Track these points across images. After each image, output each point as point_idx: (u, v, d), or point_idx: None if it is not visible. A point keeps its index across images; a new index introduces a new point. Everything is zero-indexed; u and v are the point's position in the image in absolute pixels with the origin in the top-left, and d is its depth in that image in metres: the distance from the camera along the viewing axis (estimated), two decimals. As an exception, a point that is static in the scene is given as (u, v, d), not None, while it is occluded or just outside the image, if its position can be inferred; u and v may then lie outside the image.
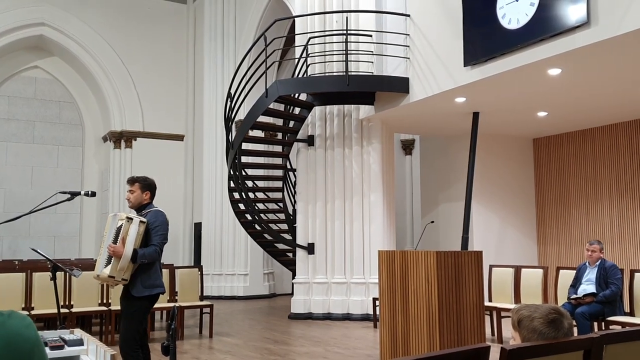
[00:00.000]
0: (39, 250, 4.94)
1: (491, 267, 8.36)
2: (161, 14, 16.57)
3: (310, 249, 10.31)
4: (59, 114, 16.25)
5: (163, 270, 6.24)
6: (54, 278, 4.75)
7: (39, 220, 15.41)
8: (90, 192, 4.76)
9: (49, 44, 15.69)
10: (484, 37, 7.57)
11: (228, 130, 10.47)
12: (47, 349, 3.24)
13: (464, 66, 7.85)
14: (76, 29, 15.51)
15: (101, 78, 15.85)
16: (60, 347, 3.23)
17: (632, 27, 5.84)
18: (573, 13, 6.37)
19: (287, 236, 11.14)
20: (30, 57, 15.86)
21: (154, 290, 4.59)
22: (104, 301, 8.00)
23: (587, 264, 7.00)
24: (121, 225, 4.45)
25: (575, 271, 7.15)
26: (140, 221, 4.47)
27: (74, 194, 4.54)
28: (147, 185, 4.77)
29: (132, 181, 4.81)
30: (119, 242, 4.40)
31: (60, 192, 4.65)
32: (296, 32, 10.89)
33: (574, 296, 6.76)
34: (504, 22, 7.29)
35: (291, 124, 10.73)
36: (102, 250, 4.54)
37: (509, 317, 2.37)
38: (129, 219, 4.45)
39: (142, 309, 4.58)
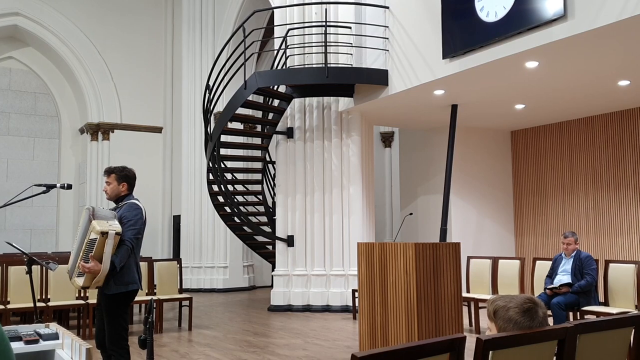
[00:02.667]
0: (14, 244, 4.88)
1: (469, 258, 8.43)
2: (139, 4, 16.36)
3: (289, 241, 10.31)
4: (35, 105, 16.00)
5: (141, 263, 6.19)
6: (29, 272, 4.70)
7: (15, 213, 15.19)
8: (65, 185, 4.68)
9: (24, 35, 15.42)
10: (462, 29, 7.61)
11: (207, 122, 10.40)
12: (21, 344, 3.20)
13: (443, 59, 7.89)
14: (52, 19, 15.26)
15: (77, 69, 15.62)
16: (35, 342, 3.20)
17: (608, 20, 5.90)
18: (550, 6, 6.42)
19: (267, 229, 11.12)
20: (4, 47, 15.58)
21: (127, 287, 4.39)
22: (82, 295, 7.92)
23: (563, 254, 7.10)
24: (95, 238, 4.10)
25: (551, 262, 7.26)
26: (116, 233, 4.18)
27: (49, 187, 4.47)
28: (124, 177, 4.53)
29: (108, 172, 4.57)
30: (93, 261, 4.09)
31: (35, 185, 4.58)
32: (275, 24, 10.84)
33: (550, 286, 6.86)
34: (482, 15, 7.33)
35: (270, 116, 10.70)
36: (75, 246, 4.34)
37: (486, 307, 2.40)
38: (104, 234, 4.09)
39: (118, 307, 4.40)
